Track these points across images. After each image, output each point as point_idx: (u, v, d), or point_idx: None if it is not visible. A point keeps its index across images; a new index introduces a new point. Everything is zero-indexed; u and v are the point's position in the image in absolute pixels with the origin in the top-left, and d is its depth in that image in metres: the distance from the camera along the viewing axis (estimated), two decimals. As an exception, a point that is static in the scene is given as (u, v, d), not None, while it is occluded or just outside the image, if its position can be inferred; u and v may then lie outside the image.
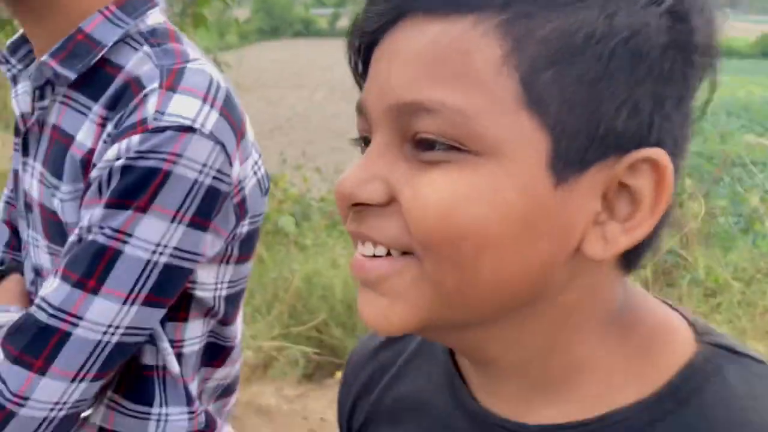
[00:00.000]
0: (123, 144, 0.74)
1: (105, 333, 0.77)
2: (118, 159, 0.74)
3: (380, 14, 0.43)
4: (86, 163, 0.80)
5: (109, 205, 0.75)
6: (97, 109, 0.81)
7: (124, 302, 0.76)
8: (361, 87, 0.48)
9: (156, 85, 0.77)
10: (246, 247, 0.92)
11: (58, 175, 0.83)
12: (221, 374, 0.99)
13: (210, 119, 0.77)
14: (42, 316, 0.76)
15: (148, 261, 0.76)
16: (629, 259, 0.46)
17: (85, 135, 0.81)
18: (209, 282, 0.89)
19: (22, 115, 0.89)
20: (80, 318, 0.75)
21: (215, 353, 0.97)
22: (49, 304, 0.76)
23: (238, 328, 0.99)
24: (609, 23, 0.39)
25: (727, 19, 0.45)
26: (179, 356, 0.90)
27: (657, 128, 0.41)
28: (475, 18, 0.40)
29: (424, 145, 0.42)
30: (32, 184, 0.88)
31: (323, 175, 6.14)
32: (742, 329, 2.60)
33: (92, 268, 0.75)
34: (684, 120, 0.43)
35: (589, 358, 0.47)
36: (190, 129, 0.75)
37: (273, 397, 3.11)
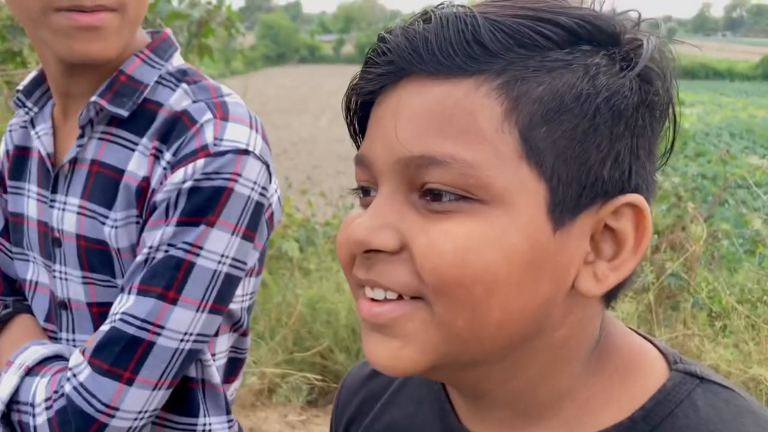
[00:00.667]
0: (188, 168, 0.83)
1: (182, 340, 0.84)
2: (185, 182, 0.83)
3: (382, 75, 0.47)
4: (142, 191, 0.87)
5: (181, 223, 0.82)
6: (146, 142, 0.88)
7: (197, 310, 0.84)
8: (356, 141, 0.53)
9: (210, 116, 0.86)
10: (262, 259, 1.00)
11: (108, 205, 0.89)
12: (233, 388, 1.04)
13: (258, 143, 0.88)
14: (129, 329, 0.82)
15: (215, 271, 0.84)
16: (612, 294, 0.50)
17: (136, 166, 0.88)
18: (238, 294, 0.95)
19: (48, 156, 0.95)
20: (163, 327, 0.82)
21: (233, 367, 1.03)
22: (135, 317, 0.82)
23: (249, 341, 1.06)
24: (592, 84, 0.44)
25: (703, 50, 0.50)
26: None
27: (635, 175, 0.46)
28: (476, 81, 0.44)
29: (432, 195, 0.45)
30: (65, 219, 0.92)
31: (328, 199, 6.16)
32: (748, 353, 2.58)
33: (172, 280, 0.82)
34: (653, 166, 0.49)
35: (572, 386, 0.50)
36: (245, 151, 0.85)
37: (277, 423, 3.10)
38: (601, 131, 0.44)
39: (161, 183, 0.85)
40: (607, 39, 0.46)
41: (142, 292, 0.82)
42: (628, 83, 0.45)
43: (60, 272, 0.95)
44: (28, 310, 1.02)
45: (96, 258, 0.91)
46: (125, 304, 0.83)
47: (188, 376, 0.92)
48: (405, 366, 0.47)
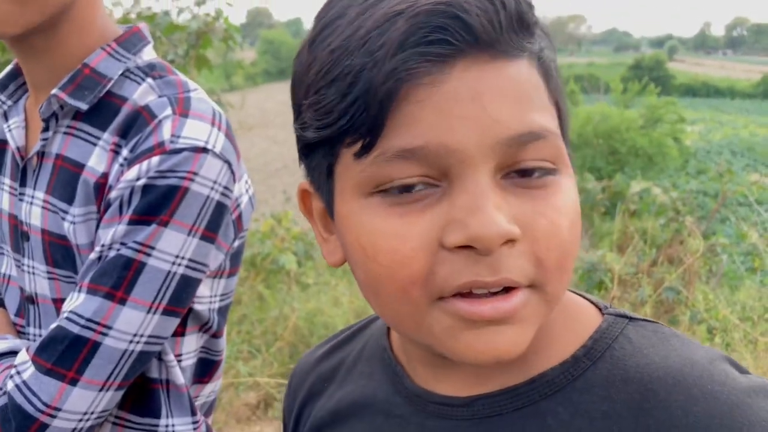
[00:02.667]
0: (143, 165, 0.80)
1: (131, 342, 0.81)
2: (139, 179, 0.80)
3: (441, 55, 0.43)
4: (100, 187, 0.85)
5: (132, 221, 0.80)
6: (108, 137, 0.86)
7: (148, 311, 0.81)
8: (361, 134, 0.45)
9: (169, 112, 0.83)
10: (235, 260, 0.97)
11: (68, 200, 0.87)
12: (208, 390, 1.02)
13: (219, 141, 0.84)
14: (74, 328, 0.79)
15: (168, 272, 0.81)
16: None
17: (96, 161, 0.86)
18: (205, 295, 0.93)
19: (18, 149, 0.93)
20: (110, 327, 0.79)
21: (205, 368, 1.00)
22: (80, 316, 0.79)
23: (224, 342, 1.03)
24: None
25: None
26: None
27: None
28: (528, 58, 0.46)
29: (520, 173, 0.45)
30: (32, 212, 0.91)
31: (327, 213, 6.15)
32: (746, 367, 2.56)
33: (120, 279, 0.80)
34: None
35: None
36: (203, 150, 0.82)
37: (272, 437, 3.07)
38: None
39: (117, 180, 0.83)
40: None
41: (90, 291, 0.80)
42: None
43: (28, 266, 0.94)
44: (2, 304, 1.01)
45: (59, 253, 0.89)
46: (74, 303, 0.81)
47: (150, 377, 0.90)
48: (521, 348, 0.46)
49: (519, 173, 0.44)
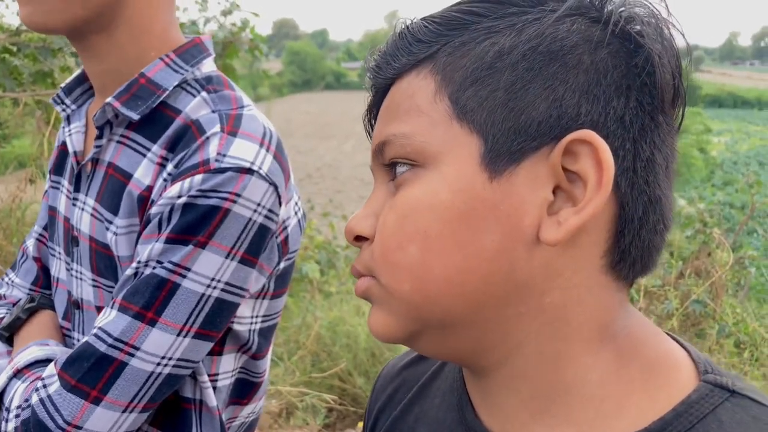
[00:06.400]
0: (186, 183, 0.78)
1: (158, 364, 0.79)
2: (180, 197, 0.78)
3: (375, 88, 0.54)
4: (143, 200, 0.84)
5: (169, 240, 0.78)
6: (157, 149, 0.85)
7: (178, 334, 0.79)
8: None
9: (217, 128, 0.82)
10: (281, 282, 0.95)
11: (114, 210, 0.86)
12: (247, 411, 1.00)
13: (266, 162, 0.82)
14: (101, 346, 0.78)
15: (203, 294, 0.79)
16: (617, 264, 0.47)
17: (143, 173, 0.85)
18: (246, 316, 0.91)
19: (75, 153, 0.94)
20: (137, 348, 0.78)
21: (245, 389, 0.98)
22: (108, 334, 0.78)
23: (268, 363, 1.01)
24: (517, 37, 0.46)
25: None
26: (213, 390, 0.91)
27: (589, 114, 0.44)
28: (417, 70, 0.50)
29: (395, 170, 0.50)
30: (83, 218, 0.91)
31: (349, 222, 6.17)
32: (776, 383, 2.51)
33: (152, 299, 0.78)
34: (636, 105, 0.46)
35: (580, 380, 0.47)
36: (249, 170, 0.80)
37: (294, 445, 3.07)
38: (530, 77, 0.45)
39: (160, 195, 0.81)
40: None
41: (121, 309, 0.79)
42: (565, 26, 0.46)
43: (76, 271, 0.94)
44: (53, 305, 1.02)
45: (103, 262, 0.89)
46: (105, 319, 0.80)
47: (183, 396, 0.89)
48: (384, 331, 0.50)
49: (394, 169, 0.50)
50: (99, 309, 0.92)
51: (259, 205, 0.81)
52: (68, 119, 0.98)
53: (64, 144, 1.02)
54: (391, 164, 0.51)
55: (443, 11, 0.50)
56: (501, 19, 0.47)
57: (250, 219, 0.80)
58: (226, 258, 0.79)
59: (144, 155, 0.86)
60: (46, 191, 1.07)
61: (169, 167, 0.82)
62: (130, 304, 0.78)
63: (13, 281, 1.07)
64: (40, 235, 1.08)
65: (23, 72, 3.20)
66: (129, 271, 0.81)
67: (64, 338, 0.99)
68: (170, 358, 0.79)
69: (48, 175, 1.07)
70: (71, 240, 0.95)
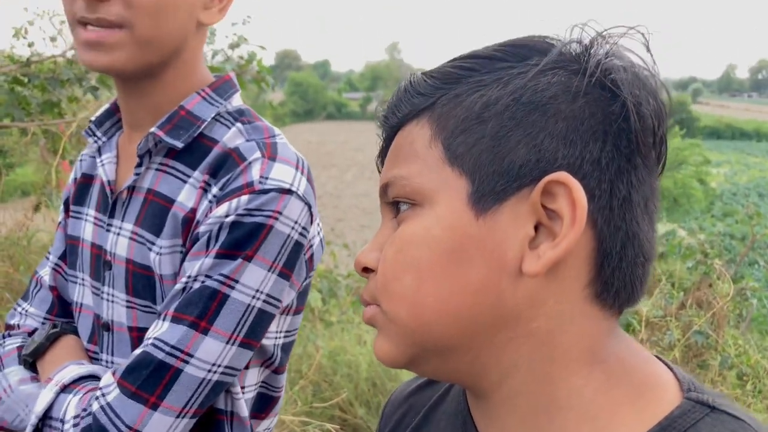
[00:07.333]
0: (233, 203, 0.86)
1: (209, 371, 0.85)
2: (228, 215, 0.86)
3: (385, 135, 0.61)
4: (188, 221, 0.91)
5: (219, 255, 0.86)
6: (198, 175, 0.93)
7: (227, 342, 0.86)
8: None
9: (258, 155, 0.90)
10: (302, 298, 1.02)
11: (156, 232, 0.93)
12: (263, 426, 1.05)
13: (302, 184, 0.91)
14: (159, 354, 0.84)
15: (248, 305, 0.87)
16: (601, 294, 0.51)
17: (186, 197, 0.92)
18: (272, 330, 0.97)
19: (109, 182, 1.00)
20: (191, 356, 0.84)
21: (264, 404, 1.04)
22: (165, 343, 0.85)
23: (285, 379, 1.06)
24: (502, 90, 0.51)
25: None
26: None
27: (566, 157, 0.49)
28: (417, 119, 0.56)
29: (397, 208, 0.56)
30: (119, 243, 0.97)
31: (351, 251, 6.19)
32: (779, 415, 2.50)
33: (205, 310, 0.85)
34: (612, 148, 0.50)
35: (574, 398, 0.51)
36: (288, 191, 0.88)
37: (294, 476, 3.04)
38: (513, 125, 0.50)
39: (206, 215, 0.89)
40: (529, 53, 0.53)
41: (175, 320, 0.85)
42: (546, 79, 0.51)
43: (108, 294, 0.98)
44: (75, 332, 1.06)
45: (140, 283, 0.94)
46: (158, 330, 0.86)
47: (217, 407, 0.94)
48: (386, 356, 0.55)
49: (396, 207, 0.56)
50: (131, 329, 0.96)
51: (296, 222, 0.89)
52: (99, 150, 1.04)
53: (86, 176, 1.07)
54: (394, 203, 0.56)
55: (441, 66, 0.56)
56: (490, 73, 0.53)
57: (289, 235, 0.88)
58: (268, 271, 0.87)
59: (185, 181, 0.93)
60: (61, 222, 1.11)
61: (214, 190, 0.90)
62: (184, 314, 0.85)
63: (27, 311, 1.10)
64: (56, 264, 1.11)
65: (31, 102, 3.25)
66: (178, 286, 0.87)
67: (91, 360, 1.02)
68: (219, 365, 0.86)
69: (63, 206, 1.11)
70: (103, 264, 0.99)
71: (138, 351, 0.86)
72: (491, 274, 0.50)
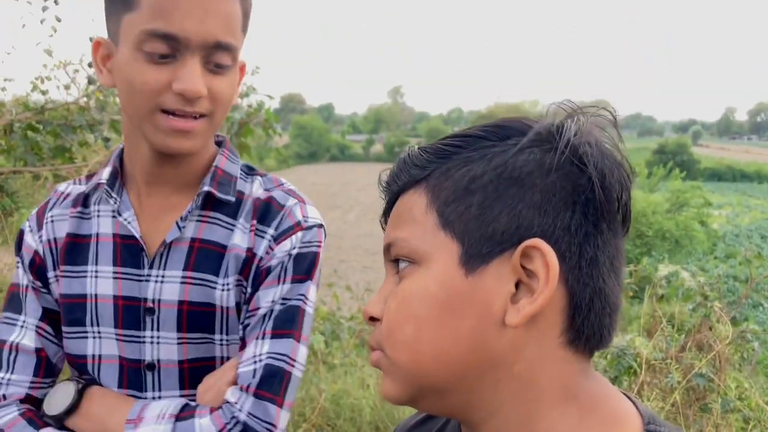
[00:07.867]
0: (293, 239, 1.10)
1: (300, 370, 1.07)
2: (293, 249, 1.09)
3: (387, 199, 0.69)
4: (248, 259, 1.10)
5: (295, 280, 1.09)
6: (243, 222, 1.12)
7: (305, 345, 1.08)
8: None
9: (294, 201, 1.13)
10: None
11: (215, 272, 1.09)
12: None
13: (321, 218, 1.17)
14: (280, 364, 1.05)
15: (311, 314, 1.10)
16: (574, 341, 0.59)
17: (239, 240, 1.10)
18: None
19: (140, 237, 1.09)
20: (296, 361, 1.07)
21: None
22: (281, 354, 1.05)
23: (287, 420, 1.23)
24: (486, 165, 0.60)
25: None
26: None
27: (540, 225, 0.57)
28: (415, 188, 0.64)
29: (398, 265, 0.64)
30: (164, 289, 1.08)
31: (354, 293, 6.19)
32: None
33: (298, 323, 1.07)
34: (581, 216, 0.58)
35: (552, 430, 0.59)
36: (320, 225, 1.14)
37: None
38: (495, 197, 0.58)
39: (267, 252, 1.09)
40: (510, 133, 0.61)
41: (276, 336, 1.06)
42: (524, 156, 0.59)
43: (152, 337, 1.09)
44: (94, 382, 1.10)
45: (197, 319, 1.09)
46: (265, 347, 1.05)
47: None
48: (390, 395, 0.64)
49: (397, 264, 0.64)
50: (181, 362, 1.08)
51: (320, 244, 1.13)
52: (118, 211, 1.10)
53: (74, 236, 1.12)
54: (396, 260, 0.64)
55: (434, 143, 0.65)
56: (476, 151, 0.61)
57: (318, 254, 1.12)
58: (316, 285, 1.12)
59: (231, 229, 1.11)
60: (28, 285, 1.12)
61: (270, 232, 1.11)
62: (284, 329, 1.06)
63: (8, 379, 1.09)
64: (37, 327, 1.12)
65: (43, 147, 3.34)
66: (262, 311, 1.07)
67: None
68: (303, 364, 1.08)
69: (29, 269, 1.12)
70: (144, 312, 1.07)
71: (253, 367, 1.04)
72: (479, 325, 0.58)
